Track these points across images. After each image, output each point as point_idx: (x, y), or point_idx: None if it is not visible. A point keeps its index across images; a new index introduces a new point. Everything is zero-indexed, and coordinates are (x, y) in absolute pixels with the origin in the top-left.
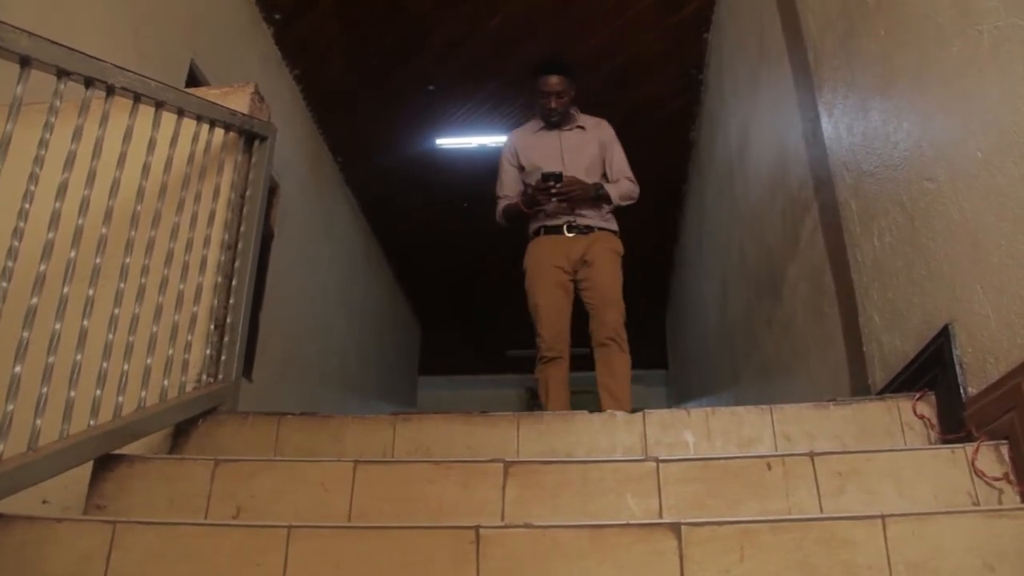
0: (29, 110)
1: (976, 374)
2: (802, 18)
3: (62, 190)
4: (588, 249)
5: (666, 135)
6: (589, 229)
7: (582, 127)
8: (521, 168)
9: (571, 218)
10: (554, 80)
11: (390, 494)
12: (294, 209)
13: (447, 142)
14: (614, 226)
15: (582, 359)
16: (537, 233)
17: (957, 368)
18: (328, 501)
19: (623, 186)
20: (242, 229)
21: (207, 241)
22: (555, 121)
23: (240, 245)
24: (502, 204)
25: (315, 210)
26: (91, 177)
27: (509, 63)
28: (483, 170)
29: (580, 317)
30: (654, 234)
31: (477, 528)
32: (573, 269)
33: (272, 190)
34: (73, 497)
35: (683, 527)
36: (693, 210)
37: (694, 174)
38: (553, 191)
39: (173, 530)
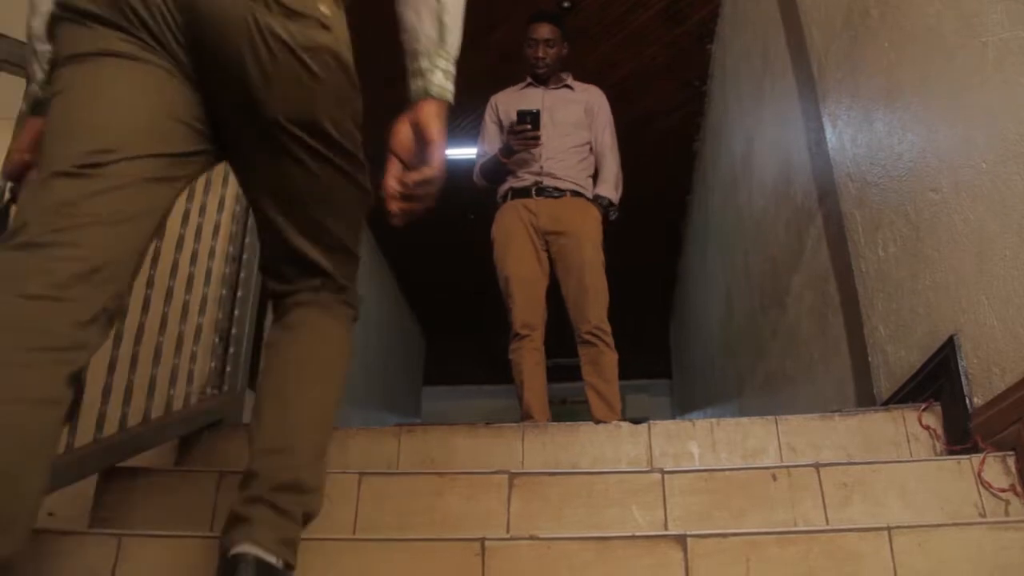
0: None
1: (982, 385)
2: (806, 30)
3: None
4: (561, 216)
5: (669, 147)
6: (560, 192)
7: (570, 87)
8: (502, 125)
9: (539, 178)
10: (543, 28)
11: (395, 506)
12: None
13: (450, 152)
14: (591, 193)
15: (573, 370)
16: (505, 197)
17: (963, 379)
18: (333, 513)
19: (612, 172)
20: (247, 241)
21: (212, 253)
22: (542, 73)
23: (245, 257)
24: (479, 162)
25: None
26: None
27: (509, 75)
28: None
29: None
30: (658, 245)
31: (483, 540)
32: (544, 240)
33: None
34: (78, 510)
35: (689, 539)
36: (697, 221)
37: (698, 185)
38: (530, 134)
39: (179, 543)
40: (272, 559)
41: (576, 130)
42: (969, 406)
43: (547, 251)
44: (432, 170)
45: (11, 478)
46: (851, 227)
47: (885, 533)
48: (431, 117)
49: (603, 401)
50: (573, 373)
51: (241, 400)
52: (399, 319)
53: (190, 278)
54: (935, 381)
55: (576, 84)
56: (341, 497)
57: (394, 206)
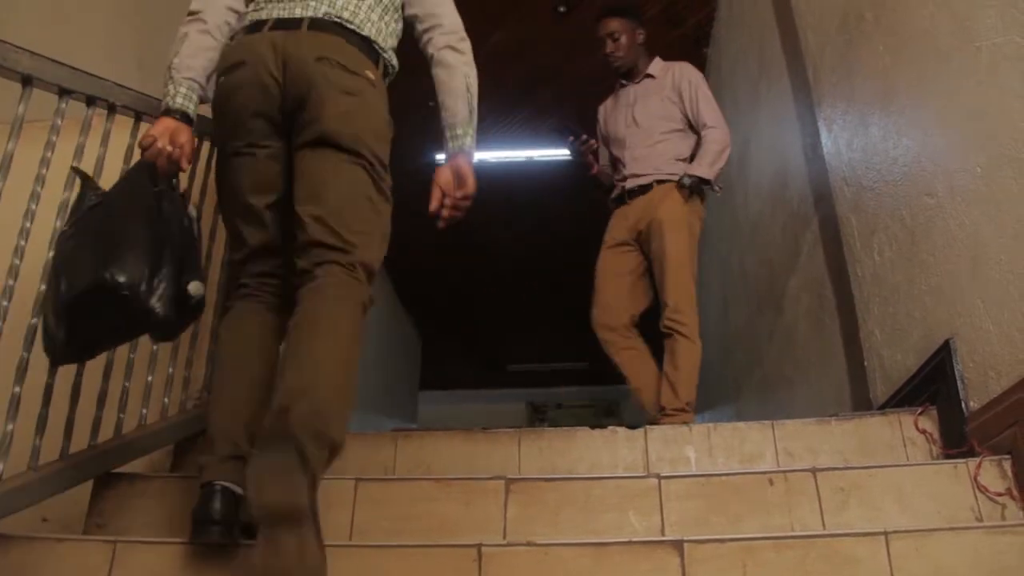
0: (31, 128)
1: (978, 389)
2: (801, 34)
3: (63, 208)
4: (646, 208)
5: None
6: (645, 188)
7: (651, 75)
8: (604, 136)
9: (625, 183)
10: (606, 23)
11: (391, 512)
12: None
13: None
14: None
15: (569, 374)
16: (613, 203)
17: (959, 383)
18: (329, 518)
19: (709, 149)
20: None
21: (208, 258)
22: (619, 67)
23: None
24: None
25: None
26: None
27: (508, 79)
28: (483, 184)
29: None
30: None
31: (479, 546)
32: (636, 235)
33: None
34: (73, 515)
35: (686, 544)
36: None
37: None
38: (581, 146)
39: (174, 549)
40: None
41: (662, 121)
42: (965, 410)
43: (640, 248)
44: (470, 189)
45: None
46: (847, 231)
47: (882, 538)
48: (466, 163)
49: (672, 391)
50: (568, 378)
51: None
52: (396, 323)
53: None
54: (931, 385)
55: (660, 69)
56: (337, 502)
57: (444, 215)
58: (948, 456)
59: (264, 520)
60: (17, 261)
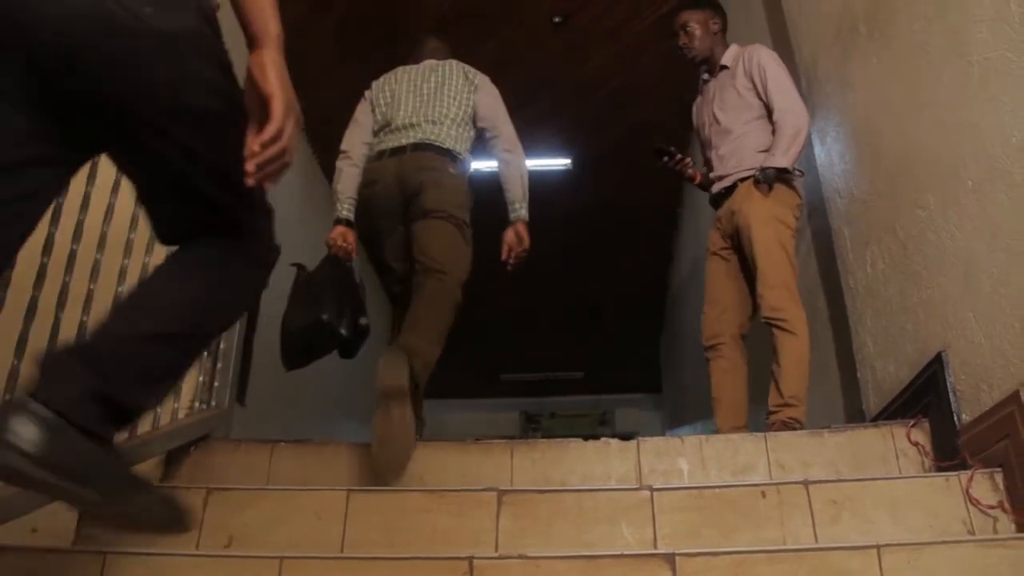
0: None
1: (970, 401)
2: (795, 45)
3: (56, 215)
4: (734, 207)
5: None
6: (731, 188)
7: (726, 66)
8: (698, 132)
9: (714, 185)
10: (679, 17)
11: (383, 523)
12: (288, 232)
13: None
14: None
15: (562, 384)
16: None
17: (951, 395)
18: (321, 531)
19: (783, 134)
20: None
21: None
22: (694, 59)
23: None
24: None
25: (308, 233)
26: (86, 202)
27: (503, 86)
28: (479, 193)
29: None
30: (649, 257)
31: (471, 559)
32: (731, 242)
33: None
34: (63, 526)
35: (678, 558)
36: (687, 233)
37: (688, 198)
38: (677, 165)
39: (164, 561)
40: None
41: (741, 113)
42: (957, 422)
43: (735, 248)
44: (527, 245)
45: None
46: (840, 243)
47: (874, 551)
48: (523, 227)
49: (774, 387)
50: (561, 387)
51: (229, 415)
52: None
53: None
54: (923, 397)
55: (732, 58)
56: (329, 514)
57: (511, 262)
58: (940, 468)
59: (382, 396)
60: (9, 268)
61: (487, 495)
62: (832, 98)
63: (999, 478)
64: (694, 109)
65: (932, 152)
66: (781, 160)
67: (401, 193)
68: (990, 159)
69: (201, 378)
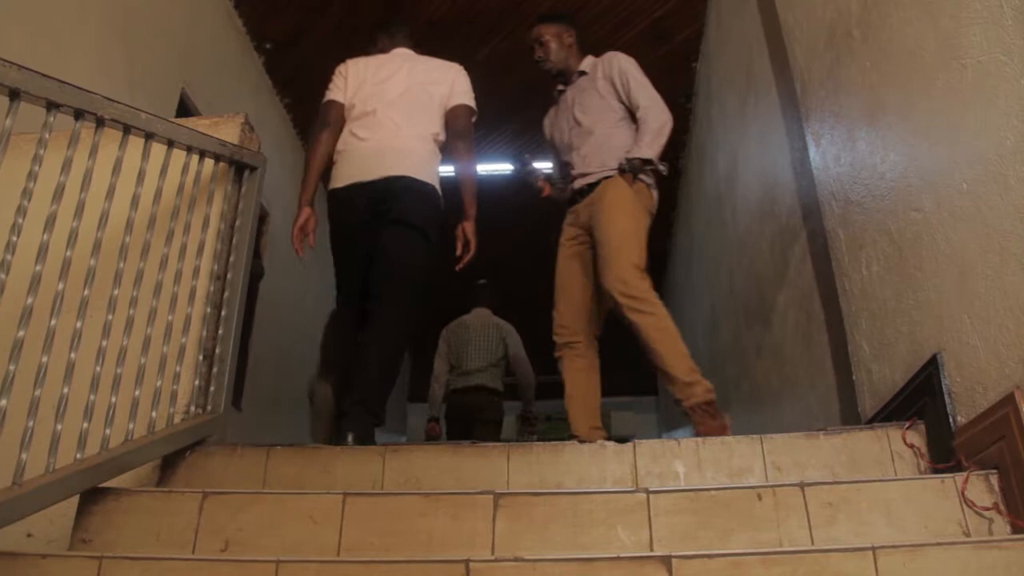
0: (18, 141)
1: (965, 403)
2: (789, 49)
3: (50, 222)
4: (593, 203)
5: None
6: (592, 187)
7: (583, 72)
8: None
9: (574, 184)
10: (533, 32)
11: (380, 527)
12: (284, 236)
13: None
14: (615, 163)
15: (557, 386)
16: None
17: (946, 397)
18: (317, 534)
19: (646, 128)
20: (231, 259)
21: (196, 272)
22: (550, 70)
23: (229, 275)
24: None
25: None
26: (80, 209)
27: (496, 93)
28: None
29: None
30: None
31: (467, 562)
32: (587, 236)
33: (262, 218)
34: (59, 531)
35: (674, 560)
36: (682, 237)
37: (683, 202)
38: (532, 177)
39: (160, 565)
40: None
41: (603, 115)
42: (952, 424)
43: (591, 246)
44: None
45: None
46: (835, 246)
47: (870, 553)
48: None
49: (666, 375)
50: (556, 390)
51: (225, 419)
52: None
53: (174, 298)
54: (919, 399)
55: (590, 64)
56: (325, 518)
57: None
58: (936, 471)
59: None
60: (3, 275)
61: (483, 498)
62: (826, 101)
63: (994, 480)
64: (546, 121)
65: (927, 155)
66: (647, 151)
67: None
68: (984, 161)
69: (197, 382)
